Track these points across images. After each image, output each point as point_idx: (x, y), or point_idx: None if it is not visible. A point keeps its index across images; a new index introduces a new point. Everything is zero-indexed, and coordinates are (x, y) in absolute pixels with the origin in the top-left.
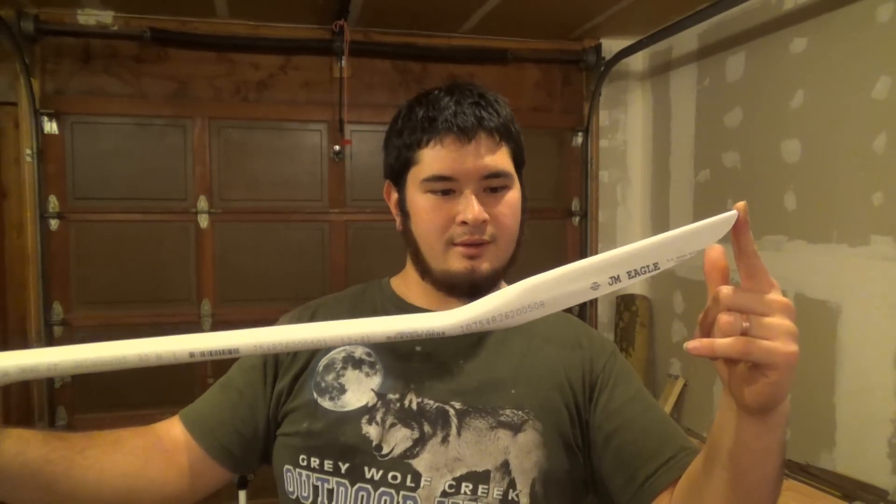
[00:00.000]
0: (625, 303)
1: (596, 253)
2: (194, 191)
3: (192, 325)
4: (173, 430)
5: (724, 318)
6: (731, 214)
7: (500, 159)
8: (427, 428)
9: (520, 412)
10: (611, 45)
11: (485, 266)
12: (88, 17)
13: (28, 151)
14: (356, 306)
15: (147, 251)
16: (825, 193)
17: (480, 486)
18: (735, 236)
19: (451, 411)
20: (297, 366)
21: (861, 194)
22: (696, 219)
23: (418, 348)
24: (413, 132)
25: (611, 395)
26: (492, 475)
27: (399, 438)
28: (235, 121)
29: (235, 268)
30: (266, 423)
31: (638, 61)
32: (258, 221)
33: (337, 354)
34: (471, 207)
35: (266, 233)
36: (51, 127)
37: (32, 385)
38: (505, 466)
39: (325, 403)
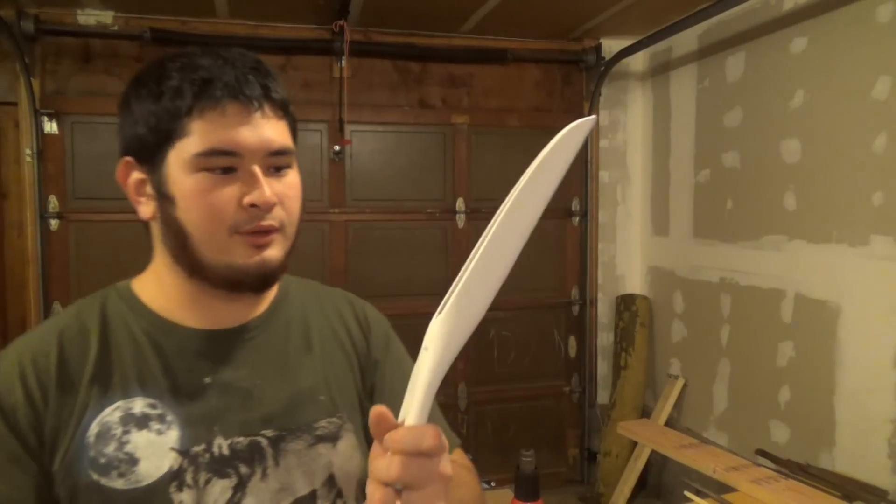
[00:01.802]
0: (625, 303)
1: (595, 252)
2: None
3: None
4: None
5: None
6: (588, 119)
7: (284, 134)
8: (243, 469)
9: (334, 419)
10: (611, 45)
11: (275, 256)
12: (88, 17)
13: (28, 151)
14: (105, 344)
15: (146, 251)
16: (825, 193)
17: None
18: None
19: (264, 441)
20: (64, 443)
21: (861, 194)
22: (696, 218)
23: (208, 380)
24: (177, 97)
25: (382, 381)
26: (318, 493)
27: (217, 493)
28: None
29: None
30: None
31: (638, 61)
32: None
33: (110, 416)
34: (261, 189)
35: None
36: (51, 127)
37: None
38: (331, 480)
39: (114, 483)
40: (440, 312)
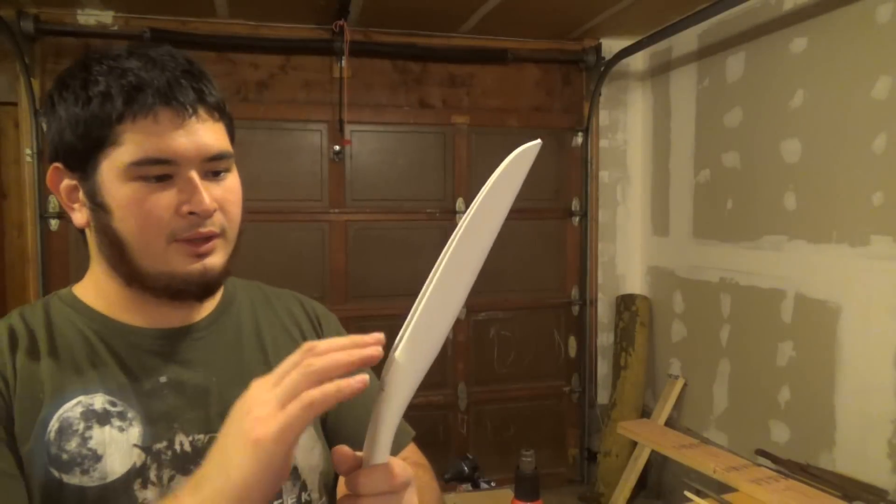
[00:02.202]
0: (625, 303)
1: (595, 252)
2: None
3: None
4: None
5: None
6: (534, 145)
7: (221, 138)
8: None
9: None
10: (611, 45)
11: (217, 262)
12: (88, 17)
13: (28, 151)
14: (55, 343)
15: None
16: (825, 193)
17: (275, 503)
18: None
19: None
20: (25, 439)
21: (861, 194)
22: (696, 218)
23: (163, 379)
24: (106, 102)
25: None
26: (283, 487)
27: None
28: (235, 121)
29: (234, 268)
30: None
31: (638, 61)
32: (258, 221)
33: (71, 411)
34: (199, 195)
35: (266, 233)
36: None
37: None
38: (294, 473)
39: (77, 480)
40: (395, 349)
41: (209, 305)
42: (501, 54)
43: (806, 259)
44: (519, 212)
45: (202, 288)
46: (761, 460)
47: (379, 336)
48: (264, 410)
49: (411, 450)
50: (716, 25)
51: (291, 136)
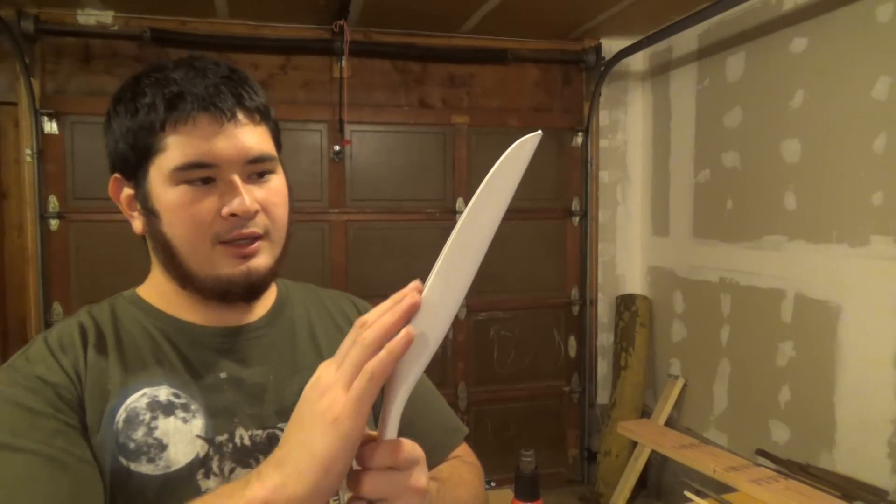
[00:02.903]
0: (625, 303)
1: (595, 252)
2: None
3: None
4: None
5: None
6: (535, 135)
7: (263, 140)
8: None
9: None
10: (611, 45)
11: (262, 263)
12: (88, 17)
13: (28, 151)
14: (121, 338)
15: (147, 251)
16: (825, 193)
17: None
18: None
19: (280, 434)
20: (95, 428)
21: (861, 194)
22: (696, 218)
23: (223, 375)
24: (151, 112)
25: None
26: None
27: None
28: None
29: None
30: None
31: (638, 61)
32: None
33: (137, 402)
34: (240, 197)
35: None
36: (51, 127)
37: None
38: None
39: (144, 468)
40: None
41: (265, 305)
42: (501, 54)
43: (806, 259)
44: (519, 212)
45: (247, 290)
46: (761, 460)
47: (415, 283)
48: (335, 391)
49: (463, 448)
50: (716, 25)
51: (291, 136)
